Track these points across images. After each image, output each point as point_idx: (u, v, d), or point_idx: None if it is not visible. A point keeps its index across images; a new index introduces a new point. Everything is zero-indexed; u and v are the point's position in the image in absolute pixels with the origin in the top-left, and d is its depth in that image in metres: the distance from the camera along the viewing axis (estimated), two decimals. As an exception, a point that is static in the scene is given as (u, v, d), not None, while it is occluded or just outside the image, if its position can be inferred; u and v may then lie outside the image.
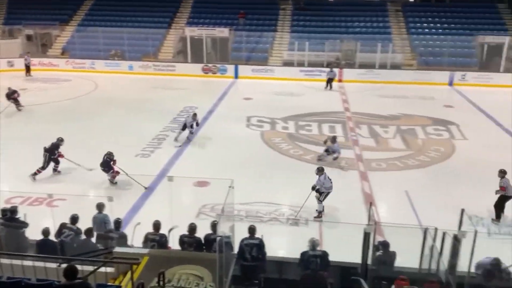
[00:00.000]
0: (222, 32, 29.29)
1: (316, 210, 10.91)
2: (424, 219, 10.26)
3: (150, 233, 7.94)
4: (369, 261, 7.39)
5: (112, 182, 12.46)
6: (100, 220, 8.71)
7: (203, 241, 7.79)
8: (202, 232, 7.91)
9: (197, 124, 16.31)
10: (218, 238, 6.47)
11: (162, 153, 14.84)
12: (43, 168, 12.78)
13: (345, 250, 8.10)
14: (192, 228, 7.87)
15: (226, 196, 6.92)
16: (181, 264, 6.42)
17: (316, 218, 10.79)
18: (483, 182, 12.83)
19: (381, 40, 27.32)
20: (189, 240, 7.70)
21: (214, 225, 7.82)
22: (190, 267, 6.37)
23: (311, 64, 27.08)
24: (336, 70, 25.40)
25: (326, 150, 14.19)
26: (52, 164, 12.97)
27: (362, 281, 6.69)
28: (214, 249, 6.96)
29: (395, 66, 26.69)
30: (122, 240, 8.03)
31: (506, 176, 10.90)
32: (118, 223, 8.33)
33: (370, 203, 9.84)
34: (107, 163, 12.26)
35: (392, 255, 7.79)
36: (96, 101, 21.77)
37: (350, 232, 8.45)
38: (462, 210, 7.84)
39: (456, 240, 7.45)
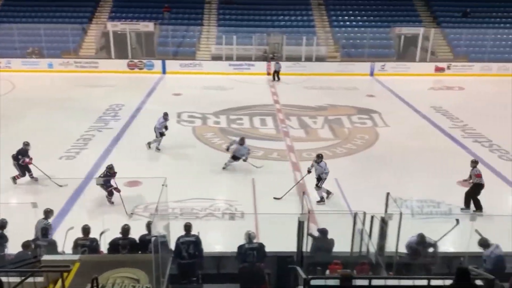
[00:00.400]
0: (147, 26, 28.54)
1: (321, 198, 11.41)
2: (354, 204, 10.72)
3: (79, 238, 7.61)
4: (304, 249, 7.59)
5: (110, 201, 11.06)
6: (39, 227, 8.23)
7: (137, 243, 7.60)
8: (137, 233, 7.71)
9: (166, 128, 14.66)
10: (153, 238, 6.34)
11: (89, 153, 14.25)
12: (22, 175, 12.00)
13: (281, 240, 8.28)
14: (125, 230, 7.65)
15: (160, 195, 6.80)
16: (115, 268, 6.22)
17: (320, 202, 11.35)
18: (405, 166, 13.67)
19: (306, 34, 28.00)
20: (123, 242, 7.47)
21: (148, 225, 7.66)
22: (125, 270, 6.19)
23: (239, 58, 27.17)
24: (281, 62, 25.74)
25: (233, 157, 13.16)
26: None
27: (299, 268, 6.87)
28: (150, 249, 6.82)
29: (320, 59, 27.49)
30: (51, 247, 7.63)
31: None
32: (45, 229, 7.90)
33: (303, 192, 10.12)
34: (107, 179, 10.84)
35: (331, 242, 8.08)
36: (14, 102, 20.37)
37: (285, 222, 8.63)
38: (388, 194, 8.27)
39: (383, 223, 7.86)
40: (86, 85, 23.33)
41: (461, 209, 10.94)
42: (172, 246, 7.67)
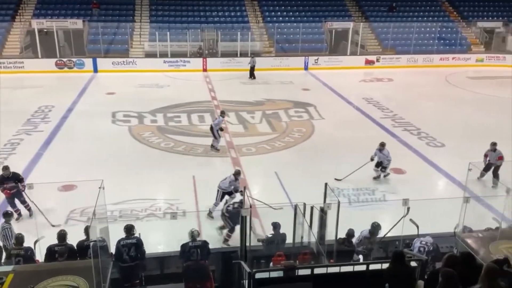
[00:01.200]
0: (75, 23, 27.35)
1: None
2: (294, 196, 10.93)
3: (13, 248, 7.20)
4: (248, 243, 7.66)
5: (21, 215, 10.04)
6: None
7: (76, 249, 7.31)
8: (75, 239, 7.42)
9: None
10: (91, 243, 6.14)
11: (18, 159, 13.46)
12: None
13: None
14: (62, 235, 7.32)
15: (97, 198, 6.57)
16: (52, 276, 5.96)
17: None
18: (341, 156, 14.14)
19: (240, 29, 28.11)
20: (61, 249, 7.15)
21: (86, 230, 7.39)
22: (63, 278, 5.95)
23: (174, 55, 26.78)
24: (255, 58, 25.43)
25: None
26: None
27: (243, 263, 6.93)
28: (89, 255, 6.59)
29: (255, 54, 27.73)
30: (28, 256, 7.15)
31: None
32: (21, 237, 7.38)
33: (244, 187, 10.17)
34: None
35: (283, 235, 8.21)
36: None
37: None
38: (326, 184, 8.55)
39: (323, 212, 8.11)
40: (12, 87, 21.97)
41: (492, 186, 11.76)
42: (113, 249, 7.46)
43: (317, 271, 5.90)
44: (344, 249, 8.09)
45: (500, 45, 30.66)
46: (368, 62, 28.01)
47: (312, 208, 8.28)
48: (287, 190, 11.70)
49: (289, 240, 8.32)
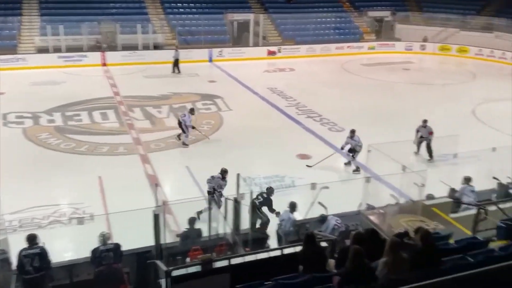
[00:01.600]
0: (-49, 17, 24.57)
1: (357, 167, 12.73)
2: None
3: None
4: (163, 241, 7.51)
5: None
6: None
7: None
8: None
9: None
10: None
11: None
12: None
13: (137, 236, 8.05)
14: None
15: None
16: None
17: (355, 171, 12.65)
18: (251, 146, 14.38)
19: (140, 21, 27.17)
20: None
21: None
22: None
23: (70, 49, 25.16)
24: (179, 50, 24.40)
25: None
26: None
27: (158, 262, 6.78)
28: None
29: (158, 47, 27.03)
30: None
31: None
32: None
33: (155, 184, 9.94)
34: None
35: (198, 230, 8.11)
36: None
37: (140, 218, 8.39)
38: (238, 175, 8.62)
39: (236, 203, 8.19)
40: None
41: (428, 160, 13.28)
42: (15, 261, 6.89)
43: (234, 261, 5.95)
44: (259, 237, 8.26)
45: (389, 33, 32.99)
46: (270, 53, 28.65)
47: (226, 199, 8.32)
48: (200, 184, 11.60)
49: (206, 233, 8.29)
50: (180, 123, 14.32)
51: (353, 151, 12.85)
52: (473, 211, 8.47)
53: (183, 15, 29.57)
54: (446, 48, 29.92)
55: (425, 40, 30.68)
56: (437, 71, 26.68)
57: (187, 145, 14.26)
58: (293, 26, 30.70)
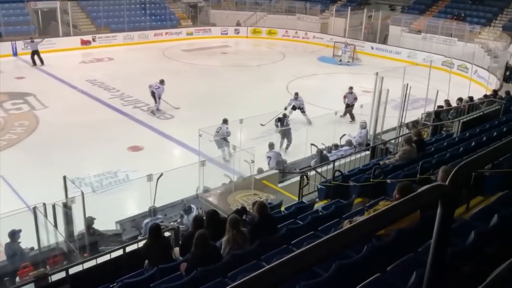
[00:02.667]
0: None
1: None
2: (30, 198, 9.80)
3: None
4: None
5: None
6: None
7: None
8: None
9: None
10: None
11: None
12: None
13: None
14: None
15: None
16: None
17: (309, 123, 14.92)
18: (75, 144, 13.36)
19: None
20: None
21: None
22: None
23: None
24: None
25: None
26: None
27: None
28: None
29: None
30: None
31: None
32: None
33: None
34: None
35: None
36: None
37: None
38: (64, 177, 7.98)
39: (67, 208, 7.61)
40: None
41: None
42: None
43: (73, 270, 5.57)
44: (95, 240, 7.82)
45: (204, 18, 33.81)
46: (84, 43, 26.81)
47: (54, 206, 7.64)
48: (20, 193, 10.38)
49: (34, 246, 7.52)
50: (153, 93, 15.78)
51: (301, 109, 15.12)
52: (297, 178, 9.38)
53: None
54: (257, 31, 31.96)
55: (238, 24, 32.29)
56: (251, 53, 28.37)
57: (154, 114, 15.84)
58: (107, 14, 29.22)
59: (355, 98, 15.92)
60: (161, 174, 8.54)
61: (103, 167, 11.84)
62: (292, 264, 1.23)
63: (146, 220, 8.16)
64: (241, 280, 1.20)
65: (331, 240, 1.30)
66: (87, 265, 5.81)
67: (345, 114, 15.81)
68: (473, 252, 3.26)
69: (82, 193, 7.37)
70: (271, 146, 11.61)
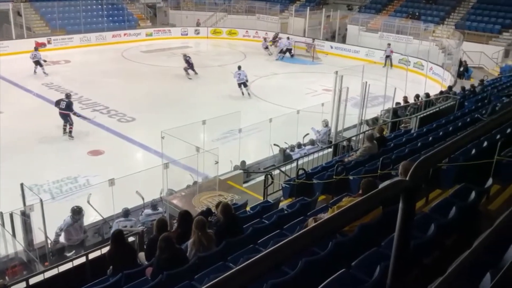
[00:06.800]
0: None
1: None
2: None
3: None
4: None
5: None
6: None
7: None
8: None
9: None
10: None
11: None
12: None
13: None
14: None
15: None
16: None
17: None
18: (32, 150, 12.91)
19: None
20: None
21: None
22: None
23: None
24: None
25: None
26: None
27: None
28: None
29: None
30: None
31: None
32: None
33: None
34: None
35: None
36: None
37: None
38: (22, 185, 7.71)
39: (25, 216, 7.35)
40: None
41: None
42: None
43: (34, 280, 5.39)
44: (59, 247, 7.60)
45: (164, 19, 33.40)
46: (40, 45, 25.89)
47: (11, 215, 7.36)
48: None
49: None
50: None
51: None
52: (262, 177, 9.42)
53: None
54: (217, 31, 31.87)
55: (198, 23, 32.10)
56: (212, 53, 28.26)
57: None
58: (62, 15, 28.39)
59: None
60: (90, 194, 8.40)
61: (62, 173, 11.50)
62: (261, 264, 1.24)
63: (118, 220, 8.11)
64: (212, 282, 1.20)
65: (299, 239, 1.32)
66: (48, 274, 5.63)
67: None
68: (433, 244, 3.38)
69: (41, 201, 7.14)
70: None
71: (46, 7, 28.29)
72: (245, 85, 18.17)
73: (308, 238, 1.35)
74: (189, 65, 20.92)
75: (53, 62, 23.68)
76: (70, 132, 13.87)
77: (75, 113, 14.06)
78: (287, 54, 25.72)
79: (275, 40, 27.20)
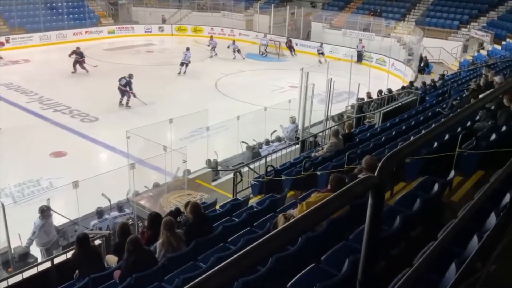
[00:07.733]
0: None
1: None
2: None
3: None
4: None
5: None
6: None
7: None
8: None
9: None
10: None
11: None
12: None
13: None
14: None
15: None
16: None
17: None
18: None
19: None
20: None
21: None
22: None
23: None
24: None
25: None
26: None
27: None
28: None
29: None
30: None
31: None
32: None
33: None
34: None
35: None
36: None
37: None
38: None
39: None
40: None
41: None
42: None
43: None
44: (23, 252, 7.36)
45: (126, 16, 32.76)
46: (-3, 44, 25.01)
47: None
48: None
49: None
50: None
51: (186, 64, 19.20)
52: (231, 175, 9.40)
53: None
54: (182, 28, 31.51)
55: (163, 20, 31.65)
56: (177, 51, 27.85)
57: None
58: (21, 13, 27.43)
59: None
60: (48, 200, 8.16)
61: (24, 176, 11.15)
62: (234, 266, 1.23)
63: (94, 222, 8.03)
64: (188, 286, 1.19)
65: (273, 238, 1.32)
66: (12, 280, 5.45)
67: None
68: (399, 236, 3.46)
69: (2, 204, 6.91)
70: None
71: (3, 5, 27.28)
72: (186, 66, 20.67)
73: (284, 237, 1.35)
74: (80, 59, 20.79)
75: (12, 61, 22.90)
76: (127, 103, 16.23)
77: (132, 93, 16.19)
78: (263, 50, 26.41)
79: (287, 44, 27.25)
